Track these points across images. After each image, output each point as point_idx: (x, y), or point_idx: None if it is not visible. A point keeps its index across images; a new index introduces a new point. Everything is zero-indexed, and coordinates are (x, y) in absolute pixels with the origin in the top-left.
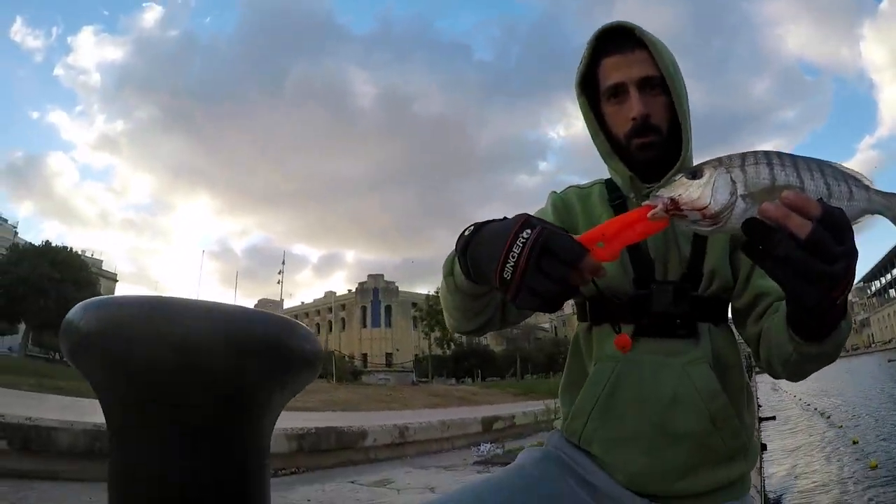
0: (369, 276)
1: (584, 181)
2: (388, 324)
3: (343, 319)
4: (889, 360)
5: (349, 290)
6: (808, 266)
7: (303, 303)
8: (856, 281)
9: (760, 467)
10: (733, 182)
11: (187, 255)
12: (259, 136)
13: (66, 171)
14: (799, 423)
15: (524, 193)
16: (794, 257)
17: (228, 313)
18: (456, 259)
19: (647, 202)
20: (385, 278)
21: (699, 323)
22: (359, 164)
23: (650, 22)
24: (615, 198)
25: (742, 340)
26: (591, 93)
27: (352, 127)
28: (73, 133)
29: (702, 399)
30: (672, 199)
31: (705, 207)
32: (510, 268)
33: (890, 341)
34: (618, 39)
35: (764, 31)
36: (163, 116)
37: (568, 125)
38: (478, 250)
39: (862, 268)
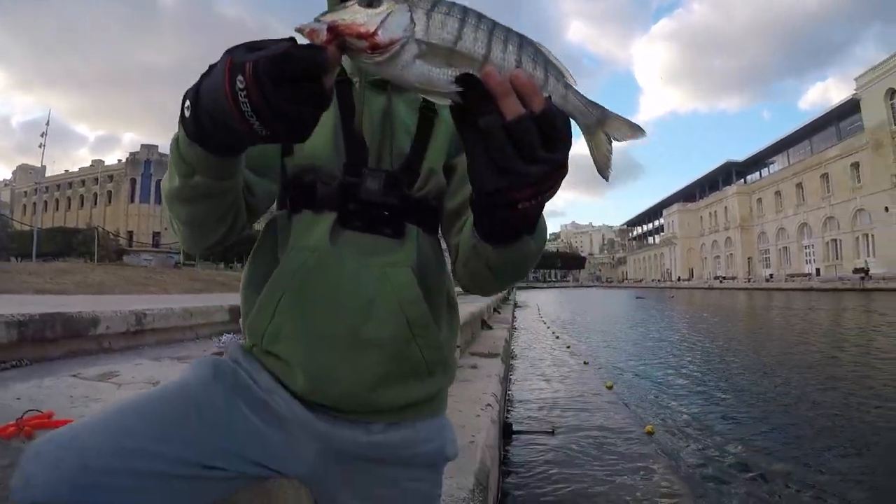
0: (142, 146)
1: None
2: (159, 200)
3: (110, 192)
4: (637, 297)
5: (119, 160)
6: (502, 152)
7: (67, 171)
8: (621, 223)
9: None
10: (413, 22)
11: None
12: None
13: None
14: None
15: None
16: (493, 135)
17: None
18: (182, 133)
19: (307, 27)
20: (160, 150)
21: (407, 224)
22: (161, 56)
23: None
24: None
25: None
26: None
27: (154, 21)
28: None
29: (400, 305)
30: (334, 25)
31: (370, 34)
32: (243, 96)
33: (641, 280)
34: None
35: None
36: None
37: None
38: (202, 104)
39: (629, 212)
